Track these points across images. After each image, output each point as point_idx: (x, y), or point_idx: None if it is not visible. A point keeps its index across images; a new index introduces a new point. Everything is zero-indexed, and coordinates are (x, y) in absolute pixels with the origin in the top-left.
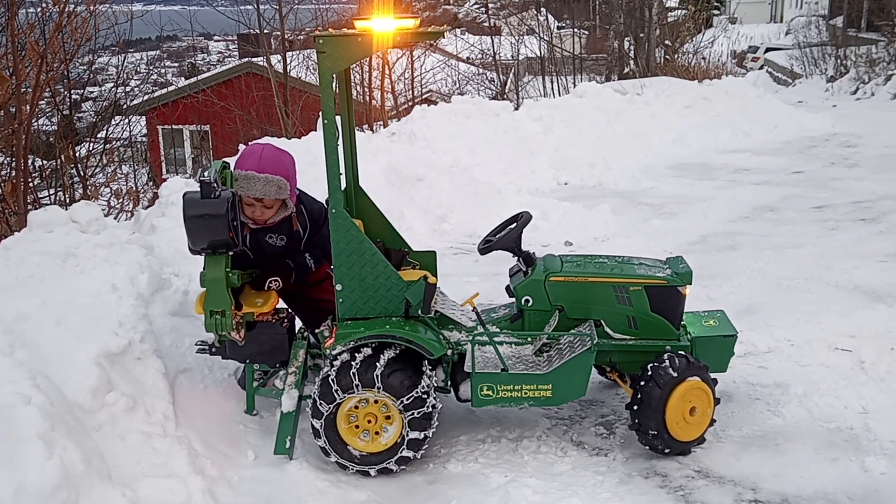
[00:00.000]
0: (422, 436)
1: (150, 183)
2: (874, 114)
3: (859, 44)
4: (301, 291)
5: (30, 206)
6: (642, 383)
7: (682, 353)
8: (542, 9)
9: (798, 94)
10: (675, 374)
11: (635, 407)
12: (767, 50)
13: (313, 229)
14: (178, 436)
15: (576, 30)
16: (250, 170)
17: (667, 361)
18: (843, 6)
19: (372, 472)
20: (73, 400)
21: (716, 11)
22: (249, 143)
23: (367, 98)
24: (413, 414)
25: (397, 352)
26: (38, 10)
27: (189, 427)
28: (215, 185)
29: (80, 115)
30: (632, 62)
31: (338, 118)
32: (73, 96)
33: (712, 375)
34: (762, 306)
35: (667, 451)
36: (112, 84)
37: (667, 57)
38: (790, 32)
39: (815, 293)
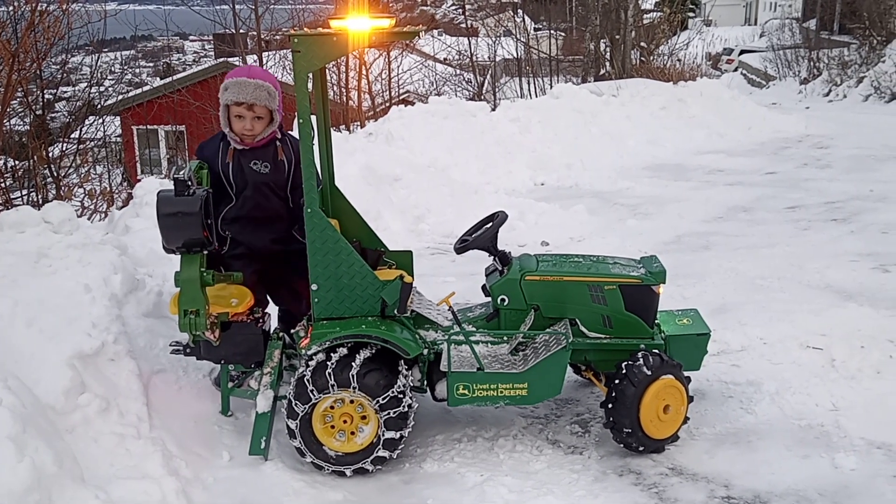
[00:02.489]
0: (398, 435)
1: (125, 183)
2: (846, 115)
3: (832, 46)
4: (291, 282)
5: (1, 207)
6: (617, 381)
7: (656, 351)
8: (518, 10)
9: (772, 96)
10: (649, 373)
11: (610, 405)
12: (742, 52)
13: (296, 162)
14: (153, 437)
15: (552, 31)
16: (241, 76)
17: (641, 360)
18: (815, 9)
19: (348, 473)
20: (45, 401)
21: (691, 14)
22: None
23: (345, 98)
24: (389, 414)
25: (373, 351)
26: (10, 8)
27: (163, 428)
28: (190, 182)
29: (53, 115)
30: (608, 64)
31: (313, 118)
32: (47, 96)
33: (686, 373)
34: (735, 305)
35: (641, 448)
36: (86, 84)
37: (642, 59)
38: (764, 35)
39: (787, 292)
